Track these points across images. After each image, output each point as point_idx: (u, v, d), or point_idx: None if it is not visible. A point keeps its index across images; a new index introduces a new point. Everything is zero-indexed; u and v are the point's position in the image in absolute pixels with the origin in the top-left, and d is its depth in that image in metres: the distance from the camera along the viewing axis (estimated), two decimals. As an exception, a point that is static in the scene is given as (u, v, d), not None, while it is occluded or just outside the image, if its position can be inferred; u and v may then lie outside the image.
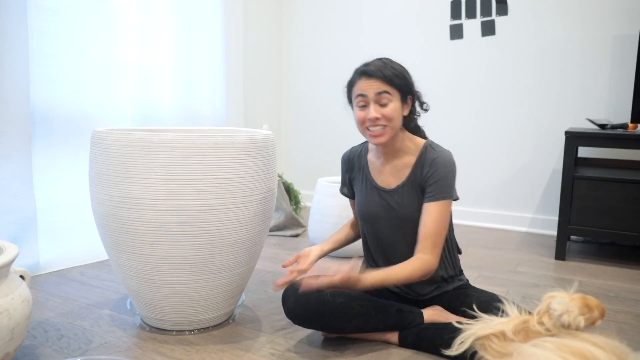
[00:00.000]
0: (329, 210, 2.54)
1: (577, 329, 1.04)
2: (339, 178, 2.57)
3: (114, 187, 1.51)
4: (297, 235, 3.02)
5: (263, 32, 3.72)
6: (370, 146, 1.74)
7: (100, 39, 2.42)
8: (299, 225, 3.11)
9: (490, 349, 1.09)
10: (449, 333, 1.50)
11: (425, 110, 1.71)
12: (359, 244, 1.87)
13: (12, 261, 1.32)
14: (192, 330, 1.68)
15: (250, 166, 1.58)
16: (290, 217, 3.07)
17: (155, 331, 1.68)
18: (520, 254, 2.74)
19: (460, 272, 1.77)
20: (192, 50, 2.98)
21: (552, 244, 2.92)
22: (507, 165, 3.26)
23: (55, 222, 2.31)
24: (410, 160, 1.63)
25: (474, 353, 1.14)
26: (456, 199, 1.61)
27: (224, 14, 3.16)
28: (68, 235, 2.36)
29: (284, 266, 1.71)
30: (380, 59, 1.59)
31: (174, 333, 1.67)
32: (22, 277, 1.45)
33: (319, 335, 1.66)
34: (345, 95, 1.66)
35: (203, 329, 1.70)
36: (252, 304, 1.94)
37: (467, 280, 1.78)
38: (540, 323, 1.07)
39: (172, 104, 2.88)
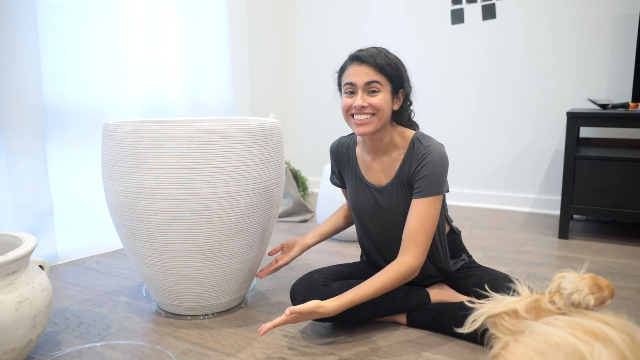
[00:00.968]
0: (336, 196, 2.53)
1: (587, 307, 1.03)
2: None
3: (127, 178, 1.51)
4: (305, 221, 3.02)
5: (267, 23, 3.69)
6: (358, 139, 1.66)
7: (109, 35, 2.41)
8: (307, 210, 3.11)
9: (501, 327, 1.08)
10: (456, 312, 1.50)
11: (409, 105, 1.59)
12: (352, 228, 1.84)
13: (31, 252, 1.33)
14: (206, 315, 1.69)
15: (258, 154, 1.57)
16: (298, 203, 3.07)
17: (170, 316, 1.70)
18: (524, 233, 2.73)
19: (461, 253, 1.73)
20: (199, 44, 2.96)
21: (556, 223, 2.91)
22: (510, 147, 3.24)
23: (72, 214, 2.32)
24: (399, 155, 1.55)
25: (485, 330, 1.14)
26: (447, 191, 1.55)
27: (228, 7, 3.13)
28: (84, 226, 2.37)
29: (269, 254, 1.70)
30: (375, 47, 1.50)
31: (188, 318, 1.68)
32: (41, 267, 1.46)
33: (329, 317, 1.67)
34: (336, 81, 1.58)
35: (217, 313, 1.71)
36: (263, 288, 1.95)
37: (470, 258, 1.75)
38: (552, 302, 1.06)
39: (180, 96, 2.87)
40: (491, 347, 1.09)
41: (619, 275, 2.09)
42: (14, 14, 1.99)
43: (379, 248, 1.67)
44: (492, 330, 1.11)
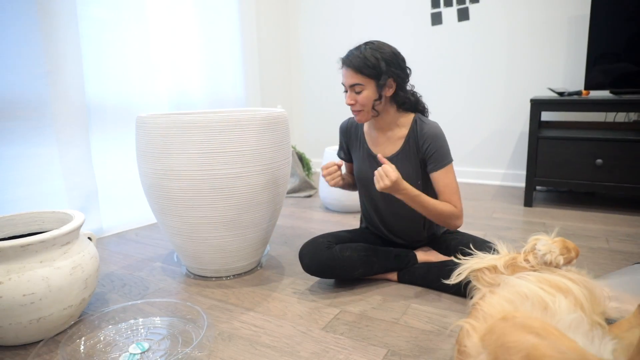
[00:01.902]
0: (335, 174, 2.51)
1: (557, 266, 1.03)
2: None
3: (157, 162, 1.49)
4: (309, 196, 3.01)
5: (273, 26, 3.63)
6: None
7: (139, 42, 2.36)
8: (311, 187, 3.10)
9: (482, 280, 1.08)
10: (440, 269, 1.51)
11: (409, 89, 1.53)
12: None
13: (80, 226, 1.32)
14: (228, 276, 1.69)
15: (268, 139, 1.55)
16: (303, 181, 3.06)
17: (198, 278, 1.69)
18: (495, 203, 2.71)
19: None
20: (215, 47, 2.92)
21: (521, 194, 2.89)
22: (482, 129, 3.20)
23: (113, 194, 2.31)
24: (402, 132, 1.52)
25: (467, 283, 1.13)
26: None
27: (239, 15, 3.08)
28: (123, 204, 2.36)
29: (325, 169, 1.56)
30: (358, 47, 1.43)
31: (213, 279, 1.68)
32: (89, 238, 1.45)
33: (331, 275, 1.66)
34: None
35: (236, 275, 1.70)
36: (275, 253, 1.95)
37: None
38: (526, 260, 1.06)
39: (201, 91, 2.84)
40: (472, 298, 1.08)
41: (574, 236, 2.07)
42: (59, 26, 1.95)
43: (380, 213, 1.63)
44: (473, 283, 1.10)
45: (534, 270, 1.02)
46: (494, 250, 1.19)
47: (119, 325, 1.33)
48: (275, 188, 1.62)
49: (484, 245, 1.47)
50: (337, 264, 1.50)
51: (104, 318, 1.36)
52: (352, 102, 1.45)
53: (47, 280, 1.19)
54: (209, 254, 1.61)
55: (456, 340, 1.00)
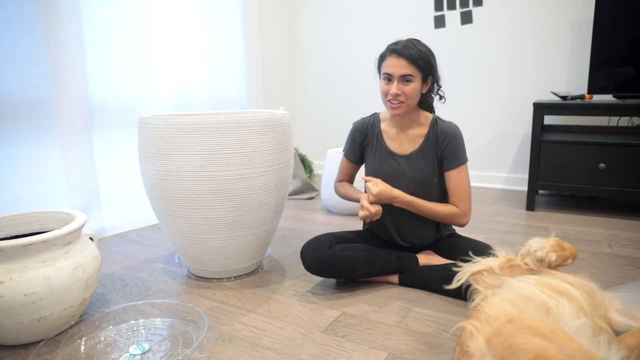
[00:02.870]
0: (337, 176, 2.51)
1: (550, 263, 1.03)
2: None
3: (159, 163, 1.49)
4: (311, 198, 3.01)
5: (276, 28, 3.64)
6: (383, 116, 1.64)
7: (142, 42, 2.37)
8: (313, 189, 3.10)
9: (482, 282, 1.08)
10: (442, 273, 1.50)
11: (440, 95, 1.58)
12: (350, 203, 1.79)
13: (82, 226, 1.33)
14: (229, 278, 1.69)
15: (270, 141, 1.55)
16: (305, 183, 3.06)
17: (199, 279, 1.70)
18: (497, 206, 2.71)
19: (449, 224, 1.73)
20: (218, 49, 2.92)
21: (524, 197, 2.88)
22: (485, 132, 3.20)
23: (115, 194, 2.31)
24: (422, 131, 1.56)
25: (468, 286, 1.13)
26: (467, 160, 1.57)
27: (243, 17, 3.08)
28: (125, 205, 2.36)
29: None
30: (410, 39, 1.47)
31: (214, 280, 1.68)
32: (91, 238, 1.45)
33: (332, 279, 1.66)
34: (376, 66, 1.56)
35: (238, 276, 1.70)
36: (277, 255, 1.95)
37: (454, 229, 1.76)
38: (524, 263, 1.06)
39: (203, 93, 2.84)
40: (473, 300, 1.08)
41: (576, 240, 2.07)
42: (62, 26, 1.96)
43: (393, 213, 1.59)
44: (474, 285, 1.11)
45: (533, 273, 1.02)
46: (493, 254, 1.20)
47: (120, 326, 1.34)
48: (277, 190, 1.62)
49: (484, 251, 1.46)
50: (338, 263, 1.50)
51: (105, 318, 1.36)
52: (399, 92, 1.45)
53: (48, 280, 1.20)
54: (210, 255, 1.61)
55: (457, 341, 1.00)
